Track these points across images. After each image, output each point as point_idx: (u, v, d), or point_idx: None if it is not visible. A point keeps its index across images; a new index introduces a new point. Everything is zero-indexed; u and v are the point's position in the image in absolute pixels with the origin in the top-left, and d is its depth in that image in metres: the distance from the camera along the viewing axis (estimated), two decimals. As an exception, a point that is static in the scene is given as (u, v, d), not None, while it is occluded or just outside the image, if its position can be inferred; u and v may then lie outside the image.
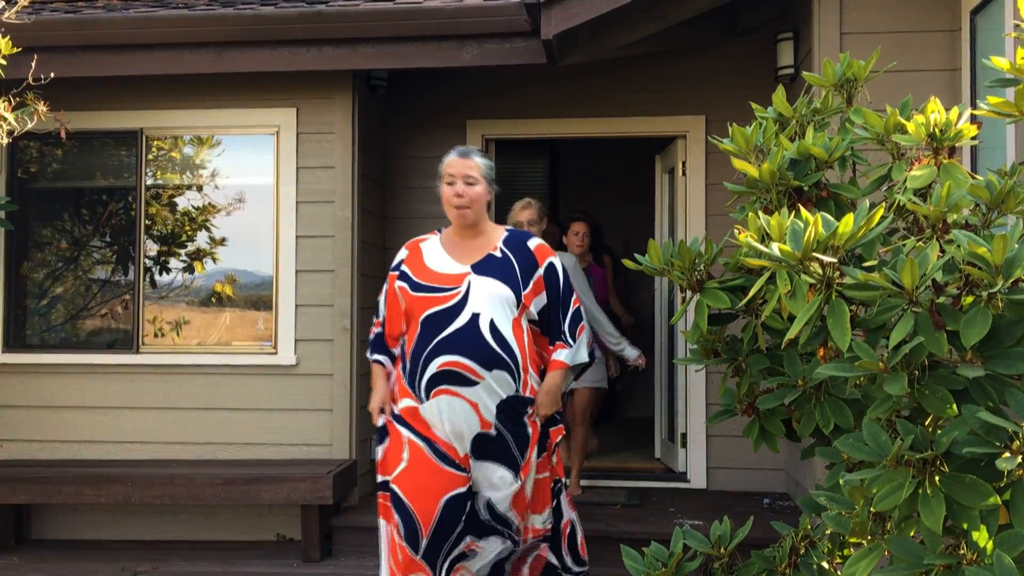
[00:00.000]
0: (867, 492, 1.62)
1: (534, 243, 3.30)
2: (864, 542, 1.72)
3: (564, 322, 3.26)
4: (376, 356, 3.32)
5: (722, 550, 2.22)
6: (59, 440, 5.25)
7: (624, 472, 5.81)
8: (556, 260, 3.30)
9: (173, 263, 5.43)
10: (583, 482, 5.32)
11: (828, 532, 2.07)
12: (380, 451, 3.25)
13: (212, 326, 5.38)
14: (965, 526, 1.49)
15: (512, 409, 3.14)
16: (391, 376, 3.29)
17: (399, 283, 3.21)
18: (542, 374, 3.31)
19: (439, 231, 3.39)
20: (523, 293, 3.17)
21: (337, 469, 4.78)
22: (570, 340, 3.25)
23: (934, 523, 1.47)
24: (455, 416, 3.08)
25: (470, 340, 3.06)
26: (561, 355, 3.25)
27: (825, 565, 2.06)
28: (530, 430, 3.19)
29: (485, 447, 3.13)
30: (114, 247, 5.51)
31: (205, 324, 5.39)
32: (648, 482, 5.59)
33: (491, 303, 3.11)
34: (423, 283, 3.16)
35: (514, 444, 3.15)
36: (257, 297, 5.34)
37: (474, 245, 3.25)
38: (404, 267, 3.25)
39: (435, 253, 3.26)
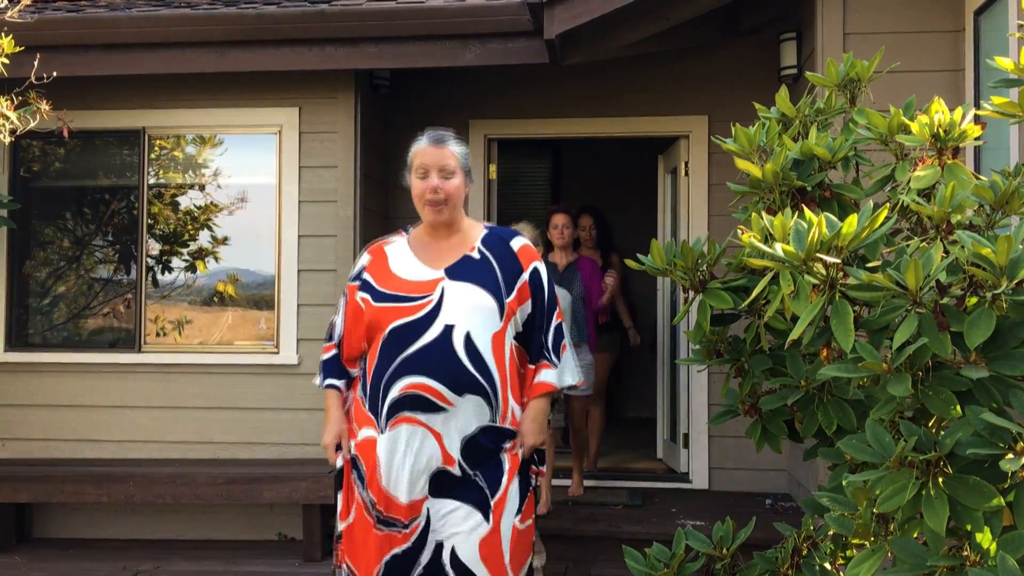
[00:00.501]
0: (870, 493, 1.62)
1: (518, 243, 2.77)
2: (867, 543, 1.72)
3: (547, 338, 2.73)
4: (330, 381, 2.77)
5: (724, 551, 2.21)
6: (61, 439, 5.26)
7: (626, 472, 5.81)
8: (541, 265, 2.79)
9: (175, 262, 5.43)
10: (586, 482, 5.33)
11: (831, 533, 2.06)
12: (339, 498, 2.79)
13: (214, 325, 5.38)
14: (969, 527, 1.48)
15: (484, 442, 2.60)
16: (347, 401, 2.79)
17: (360, 294, 2.69)
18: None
19: (405, 231, 2.83)
20: (507, 301, 2.64)
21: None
22: (554, 359, 2.73)
23: (937, 524, 1.47)
24: (414, 450, 2.56)
25: (440, 358, 2.55)
26: (547, 376, 2.71)
27: (828, 566, 2.05)
28: (507, 464, 2.64)
29: (446, 485, 2.59)
30: (116, 246, 5.51)
31: (207, 323, 5.39)
32: (650, 482, 5.58)
33: (468, 313, 2.59)
34: (388, 292, 2.65)
35: (484, 481, 2.60)
36: (259, 296, 5.34)
37: (448, 245, 2.73)
38: (366, 275, 2.73)
39: (402, 257, 2.74)
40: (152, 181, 5.40)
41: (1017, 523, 1.46)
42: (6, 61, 3.82)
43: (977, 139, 1.95)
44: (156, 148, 5.44)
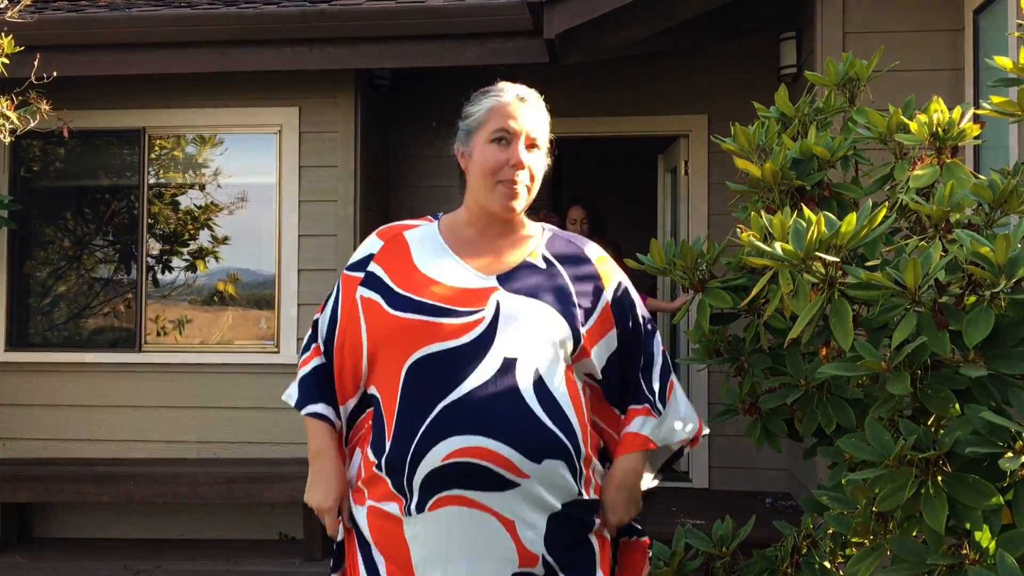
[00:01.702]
0: (869, 492, 1.62)
1: (594, 252, 1.98)
2: (866, 542, 1.72)
3: (652, 376, 1.95)
4: (315, 408, 1.90)
5: (724, 549, 2.22)
6: (62, 439, 5.26)
7: (626, 471, 5.80)
8: (628, 281, 1.99)
9: (175, 262, 5.43)
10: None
11: (830, 532, 2.07)
12: None
13: (214, 325, 5.39)
14: (968, 526, 1.49)
15: (572, 526, 1.81)
16: (349, 449, 1.94)
17: (366, 293, 1.86)
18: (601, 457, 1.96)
19: (435, 217, 2.01)
20: (583, 329, 1.85)
21: (339, 468, 4.78)
22: (659, 405, 1.93)
23: (937, 523, 1.47)
24: (473, 547, 1.73)
25: (504, 407, 1.73)
26: (644, 428, 1.91)
27: (827, 565, 2.06)
28: (598, 553, 1.86)
29: None
30: (116, 246, 5.52)
31: (207, 323, 5.39)
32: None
33: (534, 343, 1.79)
34: (413, 297, 1.81)
35: None
36: (259, 296, 5.34)
37: (500, 246, 1.92)
38: (375, 267, 1.90)
39: (433, 251, 1.90)
40: (152, 181, 5.40)
41: (1016, 522, 1.46)
42: (6, 61, 3.82)
43: (976, 138, 1.95)
44: (156, 148, 5.44)
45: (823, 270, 1.62)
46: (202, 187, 5.42)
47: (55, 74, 4.15)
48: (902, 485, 1.50)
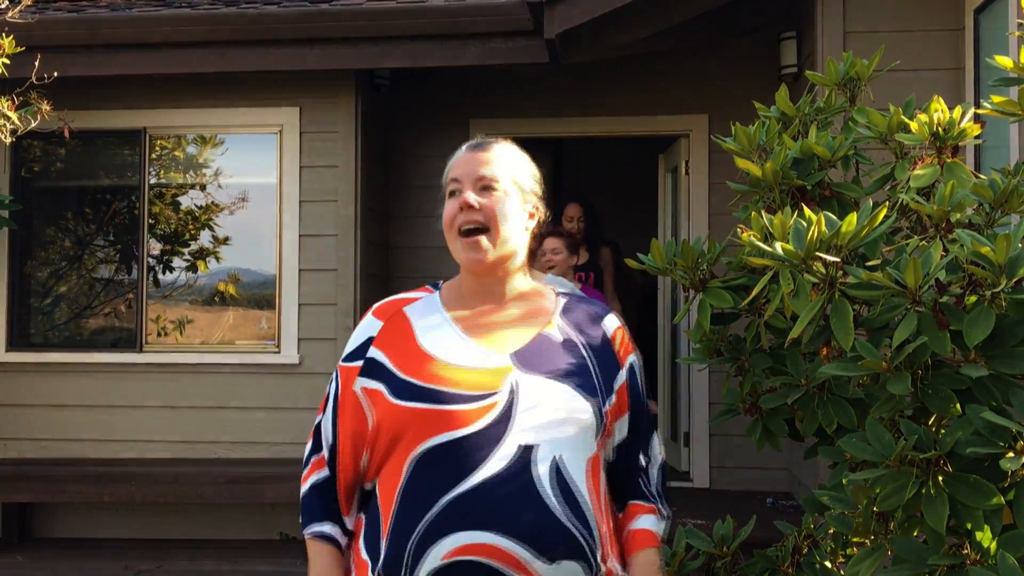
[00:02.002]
0: (870, 492, 1.62)
1: (612, 323, 1.79)
2: (867, 542, 1.72)
3: (650, 472, 1.80)
4: (317, 528, 1.70)
5: (725, 549, 2.22)
6: (63, 439, 5.26)
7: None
8: (638, 360, 1.83)
9: (176, 262, 5.43)
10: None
11: (831, 532, 2.06)
12: None
13: (215, 325, 5.39)
14: (969, 526, 1.49)
15: None
16: (349, 561, 1.71)
17: (365, 383, 1.68)
18: None
19: (434, 286, 1.84)
20: (605, 409, 1.69)
21: (340, 468, 4.78)
22: (661, 506, 1.78)
23: (937, 523, 1.47)
24: None
25: (516, 501, 1.56)
26: (658, 528, 1.76)
27: (828, 565, 2.06)
28: None
29: None
30: (117, 246, 5.52)
31: (208, 323, 5.40)
32: (651, 481, 5.57)
33: (554, 428, 1.62)
34: (417, 383, 1.63)
35: None
36: (260, 296, 5.35)
37: (510, 316, 1.74)
38: (375, 352, 1.70)
39: (437, 327, 1.72)
40: (153, 181, 5.41)
41: (1017, 522, 1.46)
42: (7, 61, 3.83)
43: (977, 138, 1.95)
44: (157, 148, 5.44)
45: (824, 270, 1.62)
46: (203, 187, 5.43)
47: (56, 74, 4.15)
48: (903, 485, 1.50)
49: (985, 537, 1.48)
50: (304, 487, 1.73)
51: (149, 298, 5.37)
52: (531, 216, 1.77)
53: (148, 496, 4.80)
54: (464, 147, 1.81)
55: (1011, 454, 1.41)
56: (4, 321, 5.36)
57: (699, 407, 5.46)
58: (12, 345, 5.36)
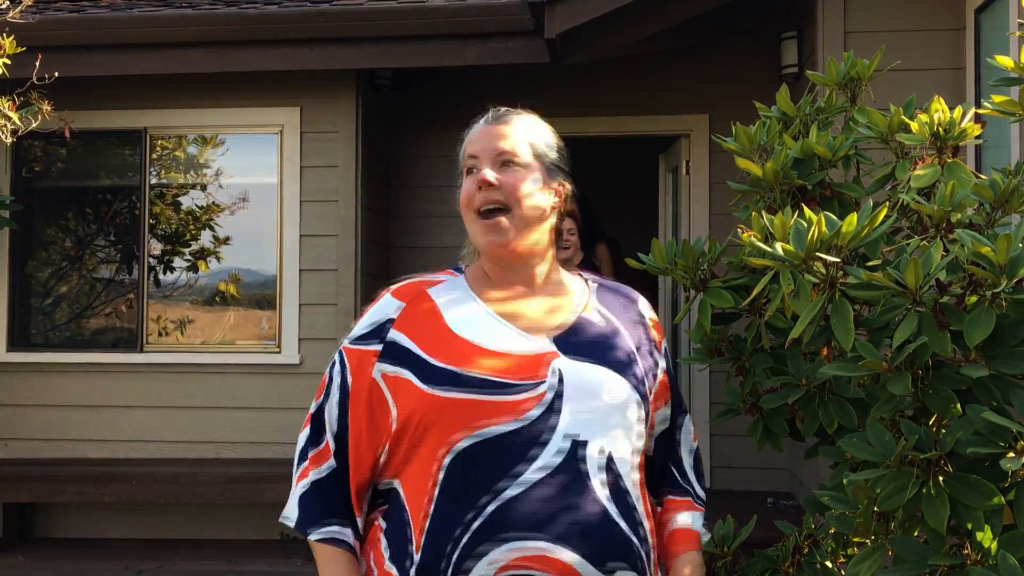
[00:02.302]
0: (871, 492, 1.62)
1: (646, 307, 1.71)
2: (868, 542, 1.72)
3: (687, 460, 1.72)
4: (328, 530, 1.54)
5: (725, 549, 2.21)
6: (63, 439, 5.27)
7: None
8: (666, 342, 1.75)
9: (177, 262, 5.44)
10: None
11: (832, 532, 2.06)
12: None
13: (216, 325, 5.39)
14: (969, 526, 1.49)
15: None
16: (363, 567, 1.53)
17: (389, 369, 1.49)
18: None
19: (457, 270, 1.66)
20: (651, 398, 1.60)
21: (341, 468, 4.78)
22: (699, 493, 1.71)
23: (938, 523, 1.47)
24: None
25: (571, 502, 1.41)
26: (696, 523, 1.68)
27: (829, 565, 2.05)
28: None
29: None
30: (118, 246, 5.52)
31: (209, 323, 5.40)
32: (651, 481, 5.57)
33: (603, 419, 1.48)
34: (455, 370, 1.45)
35: None
36: (261, 296, 5.35)
37: (544, 300, 1.59)
38: (396, 335, 1.51)
39: (468, 311, 1.54)
40: (154, 181, 5.41)
41: (1017, 522, 1.46)
42: (8, 62, 3.83)
43: (977, 138, 1.95)
44: (158, 148, 5.45)
45: (824, 270, 1.62)
46: (203, 187, 5.43)
47: (56, 75, 4.15)
48: (903, 485, 1.50)
49: (986, 537, 1.48)
50: (302, 483, 1.57)
51: (150, 298, 5.37)
52: (556, 193, 1.60)
53: (149, 496, 4.80)
54: (481, 120, 1.62)
55: (1011, 454, 1.41)
56: (5, 321, 5.36)
57: (700, 407, 5.46)
58: (13, 345, 5.36)
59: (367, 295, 5.16)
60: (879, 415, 1.64)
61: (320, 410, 1.55)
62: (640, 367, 1.57)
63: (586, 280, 1.69)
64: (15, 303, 5.42)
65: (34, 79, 4.02)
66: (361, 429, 1.50)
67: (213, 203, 5.42)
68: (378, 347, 1.51)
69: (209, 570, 4.59)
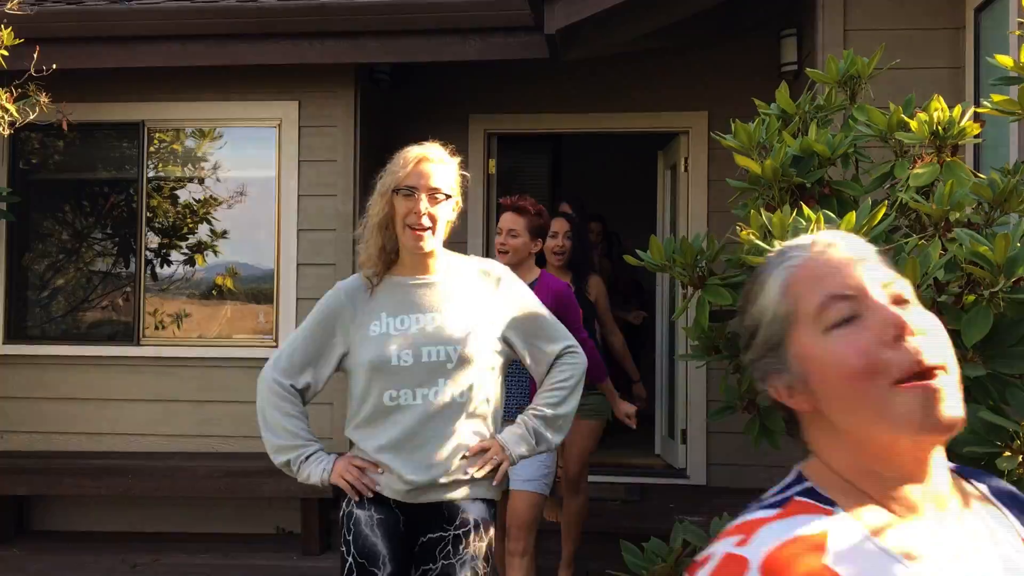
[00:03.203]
0: (867, 490, 1.62)
1: None
2: (863, 540, 1.72)
3: None
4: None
5: (722, 547, 2.21)
6: (60, 432, 5.26)
7: (624, 468, 5.81)
8: None
9: (174, 255, 5.43)
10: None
11: (828, 529, 2.06)
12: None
13: (213, 319, 5.38)
14: (965, 525, 1.49)
15: None
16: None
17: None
18: None
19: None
20: None
21: (337, 463, 4.78)
22: None
23: (934, 521, 1.47)
24: None
25: None
26: None
27: (824, 562, 2.06)
28: None
29: None
30: (115, 239, 5.51)
31: (206, 317, 5.39)
32: (648, 478, 5.58)
33: None
34: None
35: None
36: (258, 290, 5.34)
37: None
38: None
39: None
40: (151, 174, 5.40)
41: (1013, 520, 1.46)
42: (6, 53, 3.81)
43: (976, 137, 1.95)
44: (155, 141, 5.43)
45: (822, 268, 1.61)
46: (201, 181, 5.41)
47: (54, 66, 4.14)
48: (900, 483, 1.50)
49: (981, 536, 1.48)
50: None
51: (147, 291, 5.36)
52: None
53: (145, 489, 4.80)
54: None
55: (1008, 453, 1.41)
56: (1, 314, 5.35)
57: (697, 404, 5.46)
58: (9, 338, 5.36)
59: (365, 290, 5.14)
60: (876, 413, 1.64)
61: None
62: None
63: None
64: (12, 295, 5.41)
65: (32, 71, 4.00)
66: None
67: (211, 197, 5.41)
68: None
69: (205, 563, 4.59)
